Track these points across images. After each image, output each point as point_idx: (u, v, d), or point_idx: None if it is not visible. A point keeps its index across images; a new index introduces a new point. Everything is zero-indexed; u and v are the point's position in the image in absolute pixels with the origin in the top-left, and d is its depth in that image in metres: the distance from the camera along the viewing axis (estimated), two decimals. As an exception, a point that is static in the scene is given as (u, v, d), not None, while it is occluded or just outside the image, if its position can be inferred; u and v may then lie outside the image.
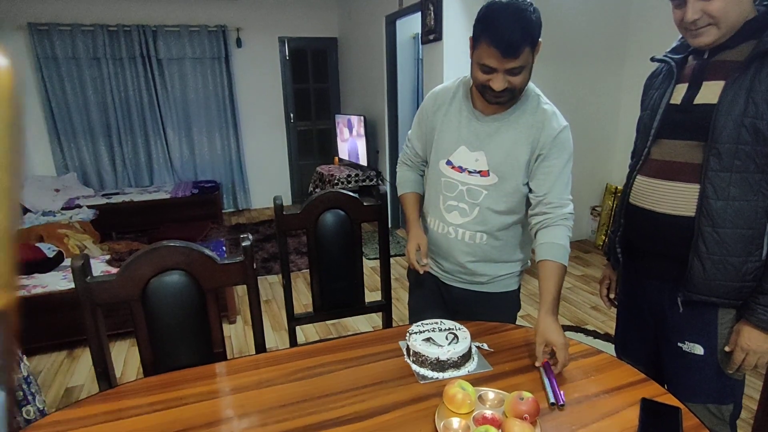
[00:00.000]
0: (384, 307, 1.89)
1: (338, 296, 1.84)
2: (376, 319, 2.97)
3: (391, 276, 1.88)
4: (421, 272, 1.43)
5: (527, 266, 1.52)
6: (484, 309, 1.47)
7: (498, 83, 1.18)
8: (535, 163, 1.30)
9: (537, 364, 1.16)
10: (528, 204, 1.37)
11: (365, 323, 2.99)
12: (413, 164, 1.59)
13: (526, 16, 1.12)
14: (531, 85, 1.31)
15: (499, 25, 1.12)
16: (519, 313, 3.20)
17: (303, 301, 3.34)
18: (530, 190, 1.34)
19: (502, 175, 1.31)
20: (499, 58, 1.14)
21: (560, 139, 1.28)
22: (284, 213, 1.71)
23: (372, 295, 1.91)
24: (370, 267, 3.88)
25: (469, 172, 1.34)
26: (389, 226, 4.49)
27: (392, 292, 1.92)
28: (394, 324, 1.90)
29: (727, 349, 1.15)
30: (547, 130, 1.27)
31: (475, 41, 1.20)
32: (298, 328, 1.85)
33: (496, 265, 1.44)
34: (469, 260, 1.43)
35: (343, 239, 1.78)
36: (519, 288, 1.53)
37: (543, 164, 1.29)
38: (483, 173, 1.33)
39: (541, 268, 1.26)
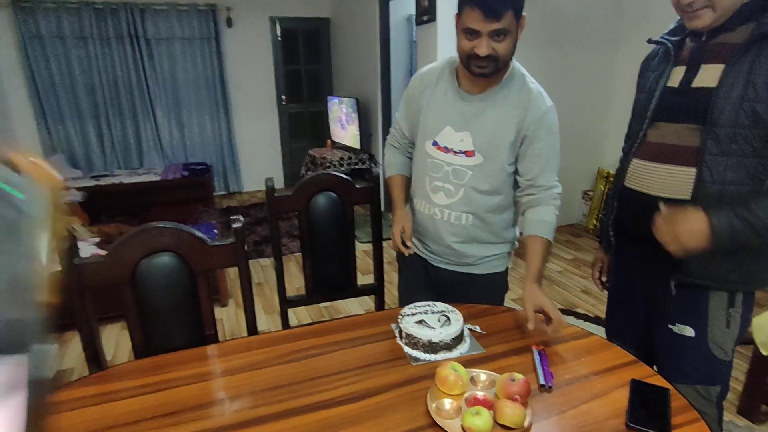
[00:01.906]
0: (376, 289, 1.89)
1: (330, 279, 1.83)
2: (369, 302, 2.98)
3: (384, 259, 1.88)
4: (406, 254, 1.45)
5: (515, 248, 1.53)
6: (472, 290, 1.48)
7: (483, 48, 1.19)
8: (521, 145, 1.32)
9: (530, 326, 1.19)
10: (513, 184, 1.39)
11: (357, 306, 3.00)
12: (401, 146, 1.59)
13: None
14: (516, 64, 1.33)
15: None
16: (511, 297, 3.22)
17: (295, 284, 3.34)
18: (518, 173, 1.36)
19: (487, 155, 1.33)
20: (482, 20, 1.16)
21: (546, 120, 1.30)
22: (276, 195, 1.70)
23: (364, 278, 1.91)
24: (363, 250, 3.87)
25: (455, 152, 1.35)
26: (382, 209, 4.48)
27: (384, 275, 1.92)
28: (386, 307, 1.90)
29: (662, 207, 1.09)
30: (533, 111, 1.29)
31: (459, 10, 1.22)
32: (290, 311, 1.85)
33: (483, 246, 1.45)
34: (455, 241, 1.43)
35: (335, 222, 1.77)
36: (507, 270, 1.53)
37: (532, 147, 1.31)
38: (468, 153, 1.34)
39: (529, 243, 1.33)
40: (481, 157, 1.33)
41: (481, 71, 1.25)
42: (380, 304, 1.90)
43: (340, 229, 1.79)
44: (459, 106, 1.34)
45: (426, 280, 1.57)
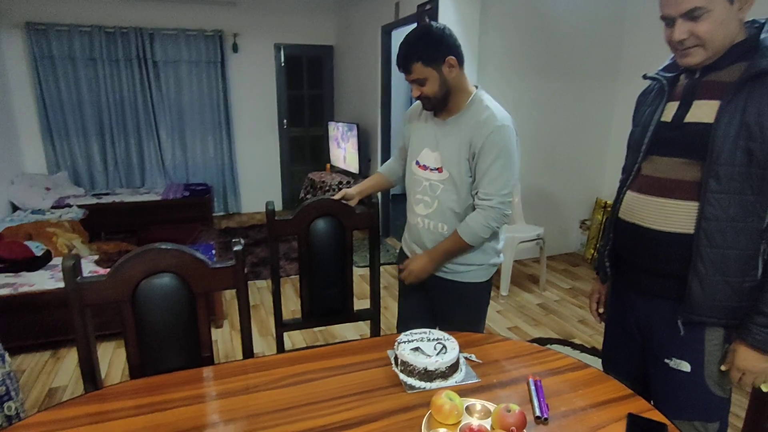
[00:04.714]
0: (372, 315, 1.89)
1: (327, 303, 1.83)
2: (363, 326, 2.96)
3: (380, 284, 1.89)
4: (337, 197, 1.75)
5: (499, 264, 1.64)
6: (455, 297, 1.64)
7: (414, 92, 1.50)
8: (473, 160, 1.49)
9: (402, 275, 1.63)
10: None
11: (352, 330, 2.99)
12: (400, 156, 1.82)
13: (416, 38, 1.43)
14: (479, 92, 1.52)
15: (398, 51, 1.47)
16: (507, 325, 3.20)
17: (290, 307, 3.32)
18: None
19: (451, 170, 1.52)
20: (403, 74, 1.49)
21: (493, 137, 1.44)
22: (276, 219, 1.71)
23: (360, 303, 1.91)
24: (359, 275, 3.87)
25: (430, 169, 1.57)
26: (380, 234, 4.49)
27: (381, 300, 1.92)
28: (382, 333, 1.90)
29: (723, 368, 1.16)
30: (482, 130, 1.45)
31: None
32: (285, 334, 1.84)
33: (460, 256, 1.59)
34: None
35: (334, 247, 1.78)
36: (488, 282, 1.64)
37: (479, 162, 1.47)
38: (439, 170, 1.55)
39: (451, 235, 1.55)
40: (447, 172, 1.53)
41: (424, 107, 1.57)
42: (376, 330, 1.90)
43: (339, 254, 1.80)
44: (434, 130, 1.57)
45: (421, 287, 1.69)
